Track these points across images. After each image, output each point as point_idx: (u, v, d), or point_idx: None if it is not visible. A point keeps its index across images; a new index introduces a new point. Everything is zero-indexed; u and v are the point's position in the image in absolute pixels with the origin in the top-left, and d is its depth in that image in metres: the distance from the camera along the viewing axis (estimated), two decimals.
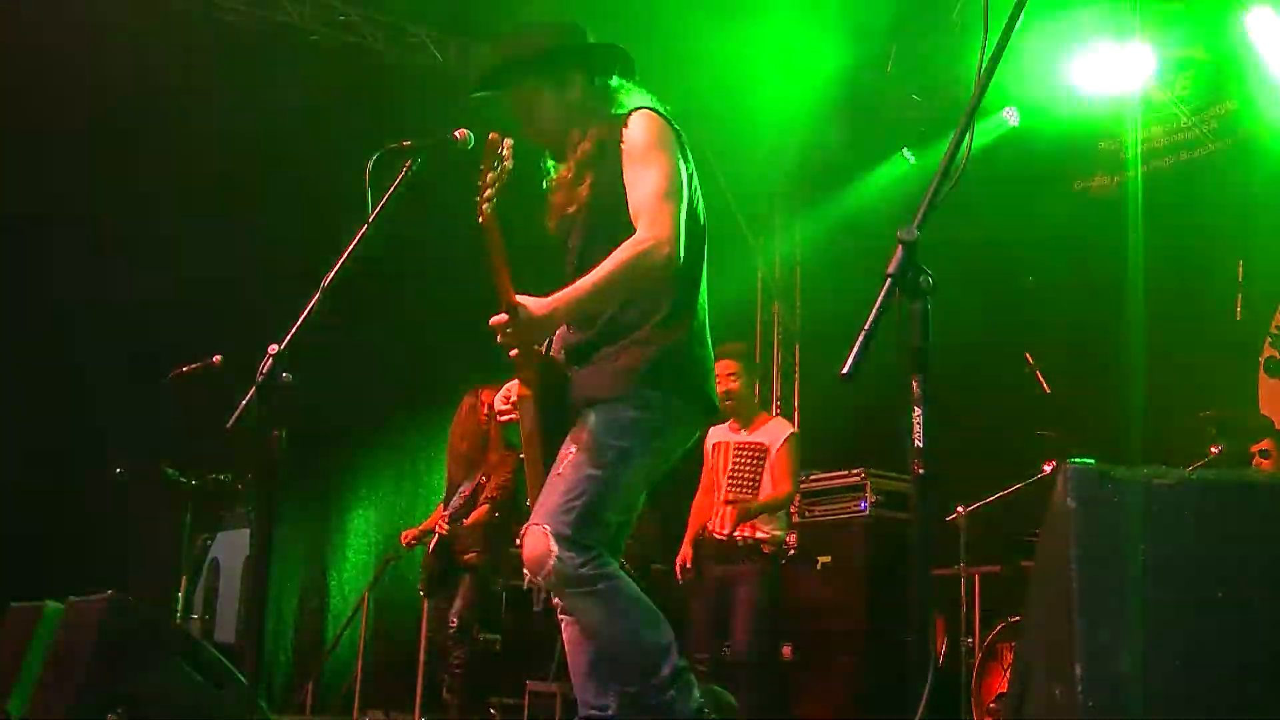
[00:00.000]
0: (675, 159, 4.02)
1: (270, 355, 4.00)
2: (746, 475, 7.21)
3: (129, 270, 10.07)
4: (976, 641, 7.62)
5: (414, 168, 4.30)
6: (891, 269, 2.70)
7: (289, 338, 4.04)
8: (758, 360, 11.73)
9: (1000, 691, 7.17)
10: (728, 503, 7.09)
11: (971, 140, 2.92)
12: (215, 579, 11.70)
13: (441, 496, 8.88)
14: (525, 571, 3.88)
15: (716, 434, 7.41)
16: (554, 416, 4.05)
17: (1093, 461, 2.04)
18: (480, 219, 3.84)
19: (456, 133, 4.39)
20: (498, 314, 3.84)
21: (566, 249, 4.19)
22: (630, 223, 3.93)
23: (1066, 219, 9.77)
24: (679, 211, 3.95)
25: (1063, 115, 9.99)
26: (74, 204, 9.95)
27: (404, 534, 8.62)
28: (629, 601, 3.86)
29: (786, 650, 8.13)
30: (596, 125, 4.12)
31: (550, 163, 4.33)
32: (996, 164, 10.06)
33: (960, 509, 7.75)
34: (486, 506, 8.37)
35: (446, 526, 8.25)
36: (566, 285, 3.96)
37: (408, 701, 10.12)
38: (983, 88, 3.16)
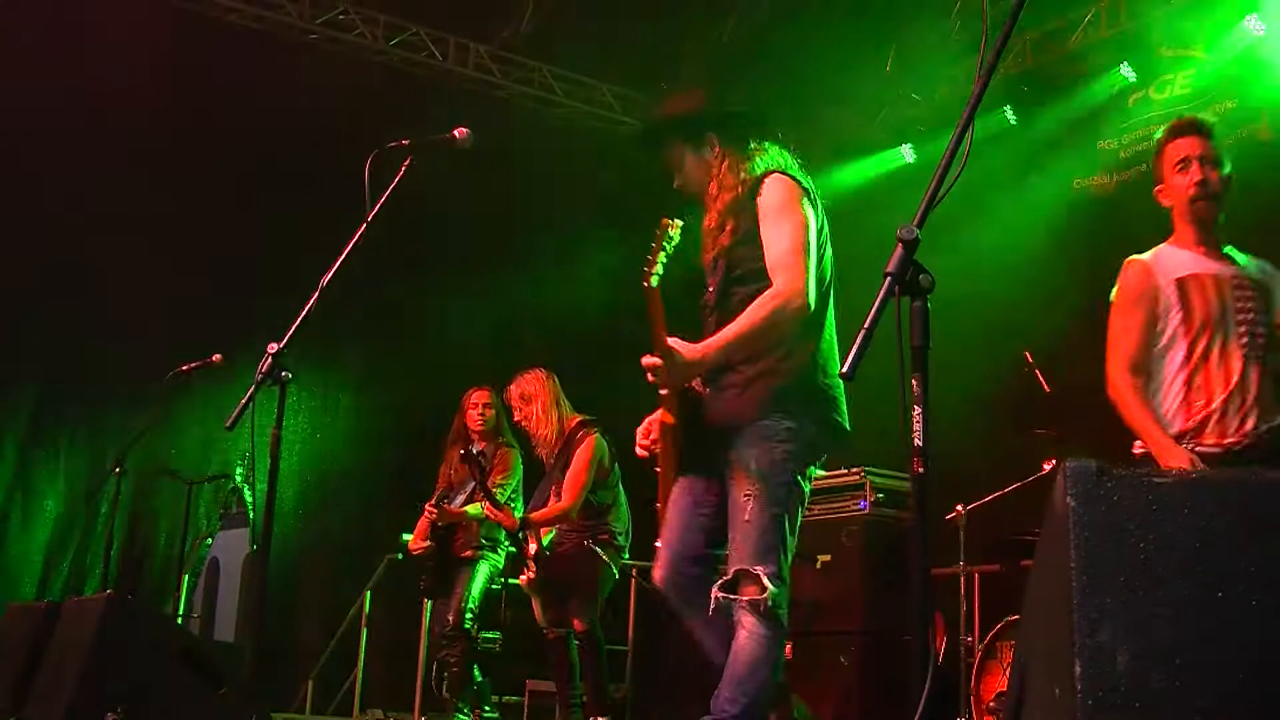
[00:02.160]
0: (805, 215, 4.47)
1: (270, 354, 4.00)
2: None
3: (130, 269, 10.10)
4: (976, 640, 7.62)
5: (412, 165, 4.31)
6: (891, 268, 2.71)
7: (289, 336, 4.05)
8: None
9: (1000, 690, 7.17)
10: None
11: (971, 138, 2.92)
12: (215, 578, 11.71)
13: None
14: (721, 596, 4.36)
15: None
16: (690, 438, 4.53)
17: (1092, 460, 2.04)
18: (645, 285, 4.27)
19: (456, 131, 4.40)
20: (651, 355, 4.31)
21: (707, 282, 4.67)
22: (763, 266, 4.42)
23: (1066, 217, 9.78)
24: (810, 264, 4.39)
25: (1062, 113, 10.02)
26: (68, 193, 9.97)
27: (412, 544, 8.56)
28: (775, 663, 4.36)
29: (786, 649, 8.13)
30: (732, 183, 4.61)
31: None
32: (997, 162, 10.08)
33: (960, 508, 7.74)
34: (485, 502, 8.33)
35: (435, 510, 8.18)
36: (705, 311, 4.62)
37: (408, 700, 10.13)
38: (983, 85, 3.16)
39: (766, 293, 4.34)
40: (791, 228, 4.42)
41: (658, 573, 4.56)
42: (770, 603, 4.25)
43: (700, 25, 11.92)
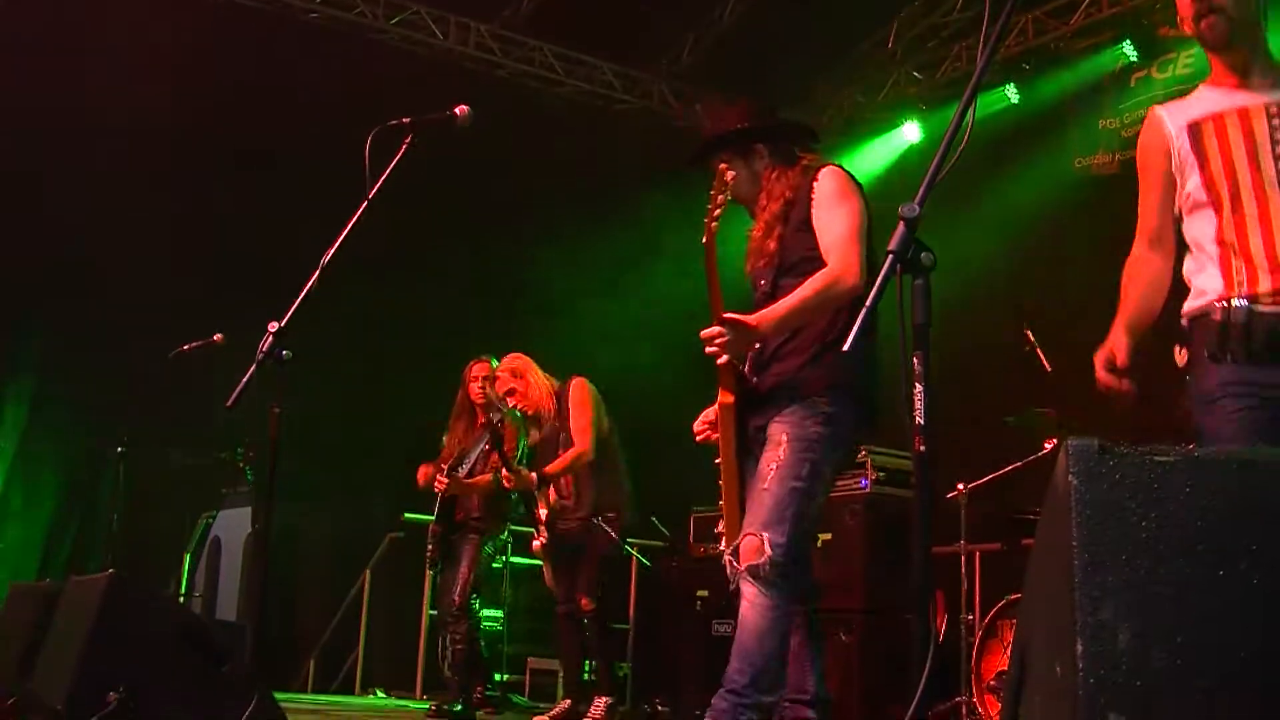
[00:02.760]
0: (862, 204, 4.60)
1: (270, 333, 4.00)
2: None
3: (132, 248, 10.09)
4: (977, 619, 7.62)
5: (413, 144, 4.31)
6: (893, 246, 2.70)
7: (289, 315, 4.04)
8: None
9: (1000, 669, 7.17)
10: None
11: (974, 117, 2.91)
12: (217, 557, 11.73)
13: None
14: (730, 564, 4.46)
15: None
16: (741, 422, 4.63)
17: (1094, 439, 2.03)
18: (705, 238, 4.40)
19: (456, 109, 4.40)
20: (710, 326, 4.39)
21: (756, 288, 4.76)
22: (815, 254, 4.52)
23: (1069, 196, 9.76)
24: (864, 250, 4.48)
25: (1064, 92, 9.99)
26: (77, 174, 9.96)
27: (420, 472, 8.54)
28: (783, 633, 4.39)
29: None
30: (780, 192, 4.71)
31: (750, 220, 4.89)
32: (999, 141, 10.07)
33: (961, 486, 7.74)
34: (491, 475, 8.38)
35: (445, 479, 8.20)
36: (757, 306, 4.61)
37: (409, 679, 10.16)
38: (985, 63, 3.15)
39: (820, 271, 4.44)
40: (847, 213, 4.54)
41: (727, 561, 4.59)
42: (769, 568, 4.28)
43: (700, 3, 11.89)
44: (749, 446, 4.64)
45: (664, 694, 9.32)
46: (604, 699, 7.86)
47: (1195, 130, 3.85)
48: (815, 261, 4.50)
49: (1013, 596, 7.26)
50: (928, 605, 2.69)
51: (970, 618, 7.68)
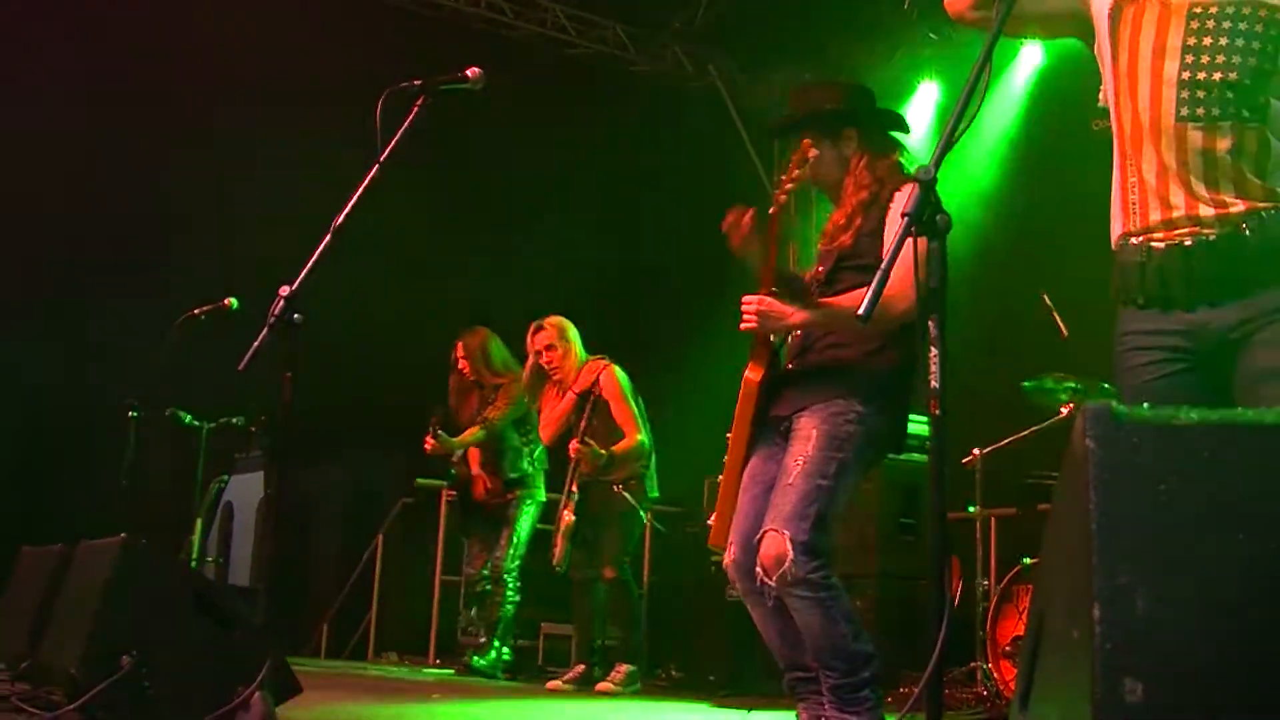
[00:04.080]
0: None
1: (281, 296, 4.00)
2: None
3: (146, 210, 10.10)
4: (992, 585, 7.64)
5: (425, 107, 4.30)
6: (908, 208, 2.70)
7: (300, 279, 4.04)
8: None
9: (1016, 635, 7.18)
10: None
11: (989, 79, 2.90)
12: (229, 522, 11.77)
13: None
14: (757, 570, 4.36)
15: None
16: (767, 414, 4.58)
17: (1112, 402, 2.03)
18: (772, 209, 4.42)
19: (469, 71, 4.39)
20: (754, 294, 4.39)
21: (817, 261, 4.71)
22: (871, 267, 4.29)
23: (1085, 158, 9.69)
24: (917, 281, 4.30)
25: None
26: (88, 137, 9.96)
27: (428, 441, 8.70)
28: (843, 614, 4.33)
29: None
30: (868, 180, 4.61)
31: (828, 205, 4.81)
32: (1016, 104, 10.01)
33: (977, 451, 7.74)
34: (478, 426, 8.52)
35: (434, 439, 8.39)
36: (810, 287, 4.60)
37: (422, 644, 10.20)
38: (1000, 23, 3.13)
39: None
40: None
41: (728, 556, 4.57)
42: (794, 571, 4.23)
43: None
44: (764, 433, 4.59)
45: (678, 660, 9.36)
46: (625, 666, 7.91)
47: (1115, 13, 3.38)
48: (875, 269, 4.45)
49: (1029, 561, 7.26)
50: (942, 570, 2.69)
51: (985, 583, 7.69)
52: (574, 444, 7.92)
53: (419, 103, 4.32)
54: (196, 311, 7.95)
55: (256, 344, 4.03)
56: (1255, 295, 3.14)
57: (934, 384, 2.68)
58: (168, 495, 10.28)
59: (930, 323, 2.70)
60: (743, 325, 4.42)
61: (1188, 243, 3.20)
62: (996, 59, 3.01)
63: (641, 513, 8.04)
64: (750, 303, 4.38)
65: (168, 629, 4.52)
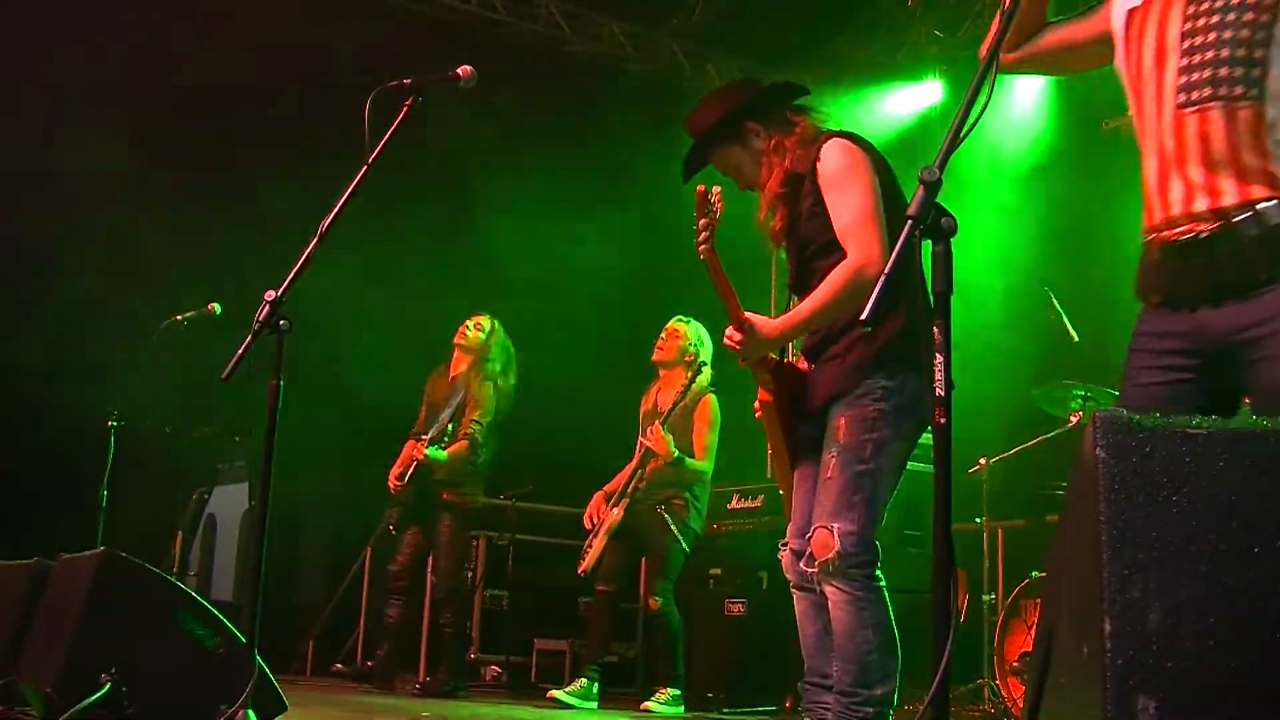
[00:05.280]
0: (873, 177, 4.43)
1: (267, 302, 3.99)
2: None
3: (127, 215, 10.09)
4: (999, 598, 7.64)
5: (414, 106, 4.30)
6: (912, 210, 2.69)
7: (286, 283, 4.04)
8: (772, 309, 11.74)
9: (1024, 650, 7.18)
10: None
11: (995, 78, 2.90)
12: (212, 535, 11.74)
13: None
14: (788, 559, 4.53)
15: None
16: (796, 415, 4.59)
17: (1124, 410, 2.02)
18: (700, 258, 4.39)
19: (460, 70, 4.39)
20: (728, 329, 4.44)
21: (787, 265, 4.74)
22: (834, 238, 4.41)
23: (1096, 159, 9.69)
24: (882, 228, 4.36)
25: None
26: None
27: (391, 478, 8.63)
28: (874, 622, 4.31)
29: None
30: (781, 160, 4.59)
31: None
32: (1023, 100, 10.01)
33: (983, 460, 7.74)
34: (465, 442, 8.44)
35: (425, 451, 8.32)
36: (790, 293, 4.68)
37: (412, 660, 10.17)
38: (1006, 20, 3.14)
39: (841, 264, 4.33)
40: (857, 192, 4.40)
41: (784, 556, 4.60)
42: (839, 560, 4.22)
43: None
44: (818, 444, 4.53)
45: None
46: (668, 689, 7.95)
47: (1130, 17, 3.44)
48: (838, 246, 4.41)
49: (1037, 575, 7.26)
50: (948, 584, 2.68)
51: (992, 597, 7.69)
52: (655, 428, 7.96)
53: (409, 102, 4.32)
54: (179, 317, 7.94)
55: (241, 351, 4.03)
56: (1256, 296, 3.12)
57: (939, 391, 2.68)
58: (149, 508, 10.27)
59: (936, 328, 2.69)
60: (740, 363, 4.50)
61: (1185, 239, 3.22)
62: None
63: (683, 541, 8.08)
64: (729, 337, 4.43)
65: (149, 646, 4.51)
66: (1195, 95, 3.21)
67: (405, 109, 4.31)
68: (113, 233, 10.21)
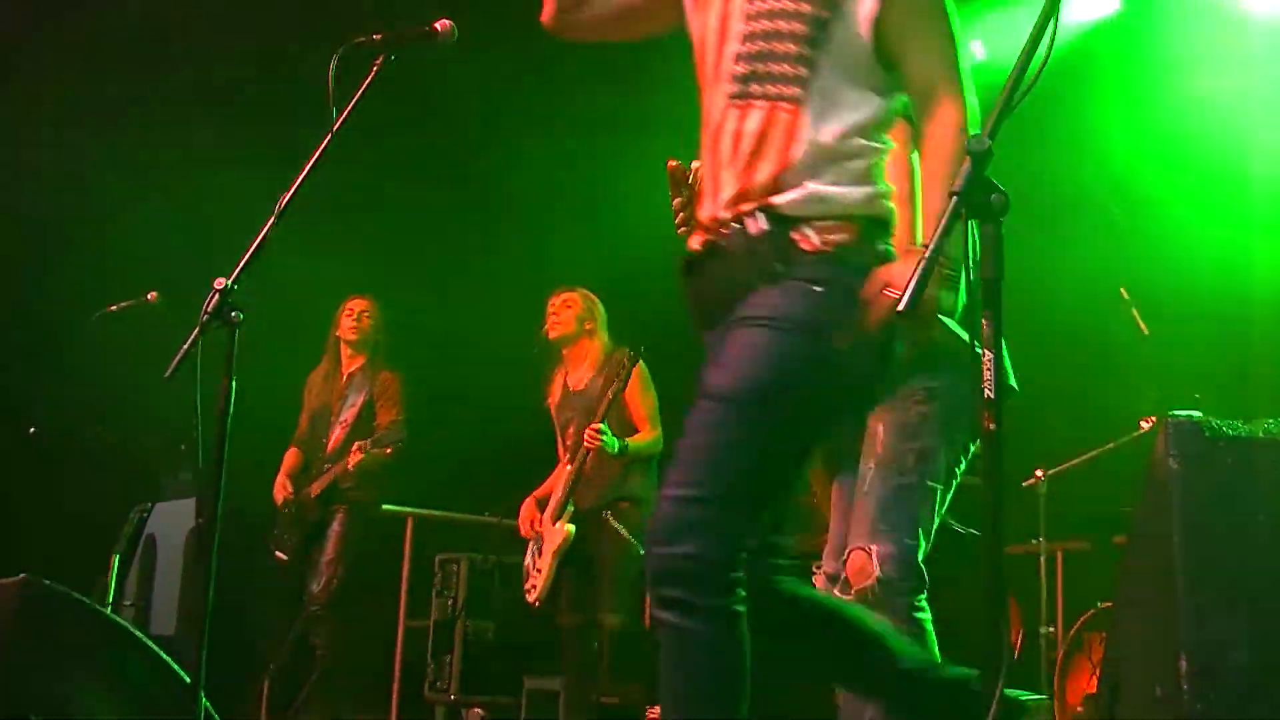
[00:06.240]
0: (907, 156, 4.29)
1: (216, 290, 4.00)
2: None
3: (48, 190, 10.09)
4: (1059, 631, 7.64)
5: (386, 66, 4.30)
6: (957, 185, 2.69)
7: (238, 270, 4.04)
8: None
9: (1088, 691, 7.19)
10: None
11: (1056, 30, 2.89)
12: (152, 559, 11.73)
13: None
14: (823, 582, 4.50)
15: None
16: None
17: (1199, 415, 2.03)
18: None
19: (438, 24, 4.39)
20: None
21: None
22: None
23: (1181, 129, 9.60)
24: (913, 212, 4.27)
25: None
26: None
27: (278, 492, 8.55)
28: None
29: None
30: None
31: None
32: (1089, 63, 9.95)
33: (1040, 473, 7.75)
34: (391, 450, 8.32)
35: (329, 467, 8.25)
36: None
37: (382, 700, 10.18)
38: None
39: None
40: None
41: (818, 581, 4.59)
42: (879, 589, 4.18)
43: None
44: (846, 444, 4.52)
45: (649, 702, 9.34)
46: None
47: None
48: None
49: (1103, 605, 7.26)
50: (1000, 615, 2.69)
51: (1051, 630, 7.69)
52: (591, 430, 7.84)
53: (379, 62, 4.33)
54: (113, 308, 7.91)
55: (186, 345, 4.03)
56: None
57: (988, 393, 2.68)
58: (78, 527, 10.28)
59: (984, 320, 2.70)
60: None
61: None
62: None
63: (638, 544, 7.97)
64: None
65: (79, 685, 4.52)
66: (745, 89, 3.38)
67: (375, 70, 4.31)
68: (32, 208, 10.21)
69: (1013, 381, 4.38)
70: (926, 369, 4.29)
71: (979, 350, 4.25)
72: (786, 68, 3.33)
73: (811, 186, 3.26)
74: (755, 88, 3.35)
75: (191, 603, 10.94)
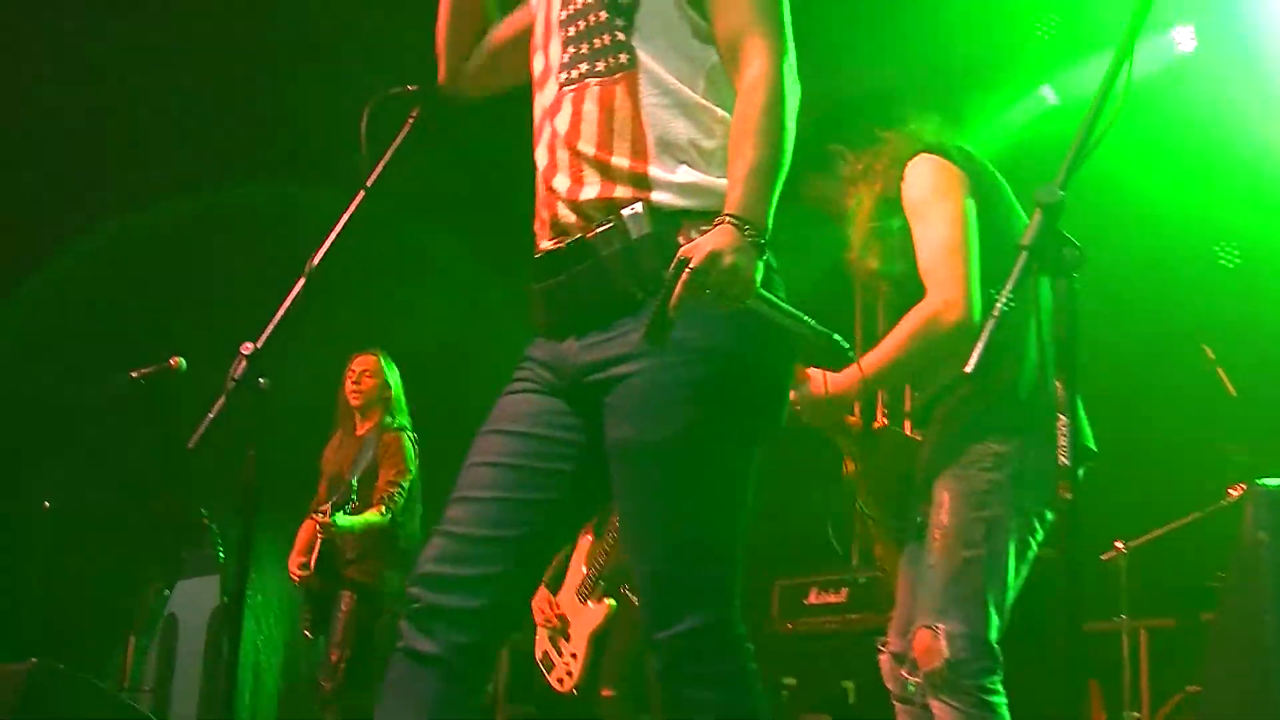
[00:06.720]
0: (961, 202, 4.37)
1: (244, 355, 4.02)
2: None
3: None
4: (1145, 717, 7.60)
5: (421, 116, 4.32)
6: (1027, 239, 2.69)
7: (267, 334, 4.07)
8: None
9: None
10: None
11: (1131, 73, 2.91)
12: (172, 640, 11.76)
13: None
14: (889, 664, 4.50)
15: None
16: (899, 486, 4.60)
17: None
18: None
19: None
20: None
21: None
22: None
23: (1263, 174, 9.58)
24: (968, 263, 4.28)
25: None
26: None
27: (293, 568, 8.52)
28: None
29: None
30: (873, 187, 4.53)
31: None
32: (1168, 102, 9.95)
33: (1120, 545, 7.71)
34: (381, 507, 8.24)
35: (325, 518, 8.13)
36: None
37: None
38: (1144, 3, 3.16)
39: (914, 309, 4.30)
40: (942, 221, 4.35)
41: (883, 661, 4.59)
42: (948, 672, 4.15)
43: None
44: (914, 517, 4.54)
45: None
46: None
47: None
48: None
49: (1191, 688, 7.22)
50: (1081, 699, 2.69)
51: (1136, 715, 7.65)
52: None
53: (413, 114, 4.35)
54: (134, 374, 7.96)
55: (212, 414, 4.06)
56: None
57: (1063, 461, 2.69)
58: (95, 607, 10.32)
59: (1059, 385, 2.70)
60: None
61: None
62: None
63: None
64: (791, 400, 4.30)
65: None
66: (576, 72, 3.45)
67: (410, 121, 4.33)
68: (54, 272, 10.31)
69: (1091, 443, 4.40)
70: (995, 433, 4.29)
71: (1055, 414, 4.36)
72: (606, 39, 3.36)
73: (684, 173, 3.29)
74: (584, 67, 3.39)
75: (214, 686, 10.98)
